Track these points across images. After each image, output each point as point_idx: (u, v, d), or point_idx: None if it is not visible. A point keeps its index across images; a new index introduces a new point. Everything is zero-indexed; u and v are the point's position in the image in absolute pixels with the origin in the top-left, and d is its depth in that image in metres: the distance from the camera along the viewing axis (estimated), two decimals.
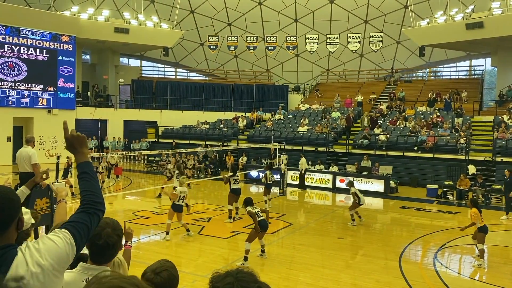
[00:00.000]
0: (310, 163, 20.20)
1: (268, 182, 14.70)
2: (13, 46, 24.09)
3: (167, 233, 10.55)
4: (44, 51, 25.35)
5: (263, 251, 9.26)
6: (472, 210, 9.57)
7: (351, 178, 17.17)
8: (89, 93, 30.74)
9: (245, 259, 8.81)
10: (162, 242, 10.57)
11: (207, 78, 37.78)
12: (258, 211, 9.12)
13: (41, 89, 25.40)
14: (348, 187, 13.53)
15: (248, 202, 9.26)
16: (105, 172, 18.50)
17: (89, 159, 2.30)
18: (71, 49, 26.45)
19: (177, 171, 14.39)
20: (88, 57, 33.15)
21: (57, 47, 25.82)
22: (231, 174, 13.31)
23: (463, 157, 19.37)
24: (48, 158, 23.46)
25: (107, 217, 2.58)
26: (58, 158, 9.42)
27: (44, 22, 25.22)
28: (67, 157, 15.89)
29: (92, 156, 19.19)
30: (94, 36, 27.98)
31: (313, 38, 32.77)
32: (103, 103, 30.39)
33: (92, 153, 24.43)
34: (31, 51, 24.83)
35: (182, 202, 10.70)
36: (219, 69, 37.23)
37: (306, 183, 19.22)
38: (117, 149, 26.69)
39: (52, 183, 7.86)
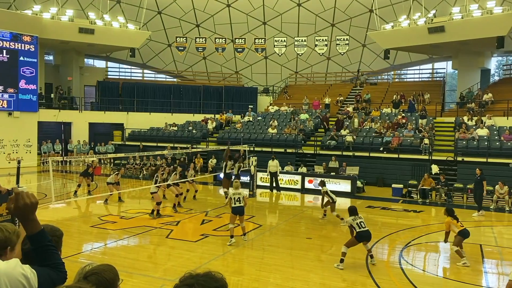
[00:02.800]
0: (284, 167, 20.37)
1: (227, 171, 15.05)
2: None
3: (232, 236, 10.42)
4: (4, 51, 24.41)
5: (371, 256, 9.16)
6: (446, 220, 9.86)
7: (322, 178, 17.36)
8: (52, 95, 29.81)
9: (341, 261, 8.80)
10: (130, 247, 10.37)
11: (175, 80, 37.38)
12: (361, 222, 9.10)
13: (1, 91, 24.46)
14: (319, 187, 13.76)
15: (352, 211, 9.36)
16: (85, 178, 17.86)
17: (40, 225, 2.15)
18: (33, 49, 25.59)
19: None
20: (51, 58, 32.17)
21: (18, 47, 24.92)
22: (231, 163, 14.27)
23: (426, 157, 19.98)
24: (9, 162, 22.63)
25: (45, 223, 2.49)
26: (19, 162, 9.10)
27: (4, 21, 24.28)
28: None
29: (57, 160, 18.67)
30: (58, 37, 27.18)
31: (282, 41, 33.04)
32: (67, 105, 29.55)
33: (57, 157, 23.78)
34: None
35: (240, 203, 10.55)
36: (187, 70, 36.93)
37: (274, 184, 19.30)
38: (82, 153, 26.02)
39: (12, 188, 7.58)
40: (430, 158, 19.80)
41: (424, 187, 17.33)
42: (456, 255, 9.52)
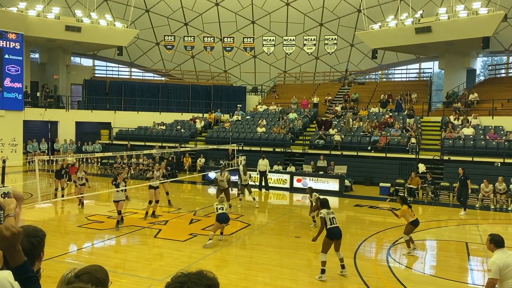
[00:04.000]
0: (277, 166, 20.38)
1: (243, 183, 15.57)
2: None
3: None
4: None
5: (342, 266, 8.62)
6: (402, 208, 10.16)
7: (309, 184, 17.43)
8: (38, 94, 29.41)
9: (322, 271, 8.30)
10: (117, 247, 10.29)
11: (163, 79, 37.15)
12: (333, 217, 8.64)
13: None
14: (308, 194, 13.62)
15: (324, 204, 8.92)
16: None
17: (24, 256, 2.09)
18: (18, 47, 25.21)
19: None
20: (37, 56, 31.74)
21: (2, 45, 24.52)
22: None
23: (413, 156, 20.18)
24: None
25: (27, 224, 2.45)
26: (4, 161, 8.95)
27: None
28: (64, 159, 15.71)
29: (43, 160, 18.44)
30: (44, 34, 26.81)
31: (270, 40, 33.06)
32: (54, 104, 29.18)
33: (43, 156, 23.45)
34: None
35: (222, 210, 10.54)
36: (175, 69, 36.74)
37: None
38: (69, 151, 25.72)
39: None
40: (417, 157, 20.00)
41: (411, 186, 17.50)
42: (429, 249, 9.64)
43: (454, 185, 17.37)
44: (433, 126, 24.09)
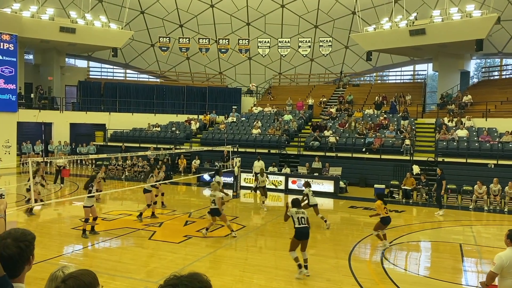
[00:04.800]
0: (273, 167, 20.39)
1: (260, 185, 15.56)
2: None
3: (232, 230, 11.09)
4: None
5: (306, 267, 8.52)
6: (376, 203, 10.66)
7: (306, 180, 17.44)
8: (32, 95, 29.25)
9: (299, 266, 8.34)
10: (112, 249, 10.25)
11: (158, 80, 37.10)
12: (302, 217, 8.58)
13: None
14: (303, 187, 13.77)
15: (295, 203, 8.83)
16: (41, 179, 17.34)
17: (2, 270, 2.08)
18: (12, 48, 25.08)
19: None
20: (31, 57, 31.58)
21: None
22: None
23: (408, 157, 20.28)
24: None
25: (20, 228, 2.42)
26: None
27: None
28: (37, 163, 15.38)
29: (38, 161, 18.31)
30: (38, 36, 26.68)
31: (265, 42, 33.11)
32: (48, 106, 29.02)
33: (37, 158, 23.33)
34: None
35: (214, 205, 10.90)
36: (171, 70, 36.69)
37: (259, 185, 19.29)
38: (63, 153, 25.61)
39: None
40: (411, 158, 20.09)
41: (405, 187, 17.58)
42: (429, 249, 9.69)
43: (448, 186, 17.48)
44: (427, 128, 24.22)
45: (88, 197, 11.01)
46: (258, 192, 18.79)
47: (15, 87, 25.54)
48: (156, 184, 13.87)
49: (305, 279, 8.29)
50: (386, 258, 9.83)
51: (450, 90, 27.00)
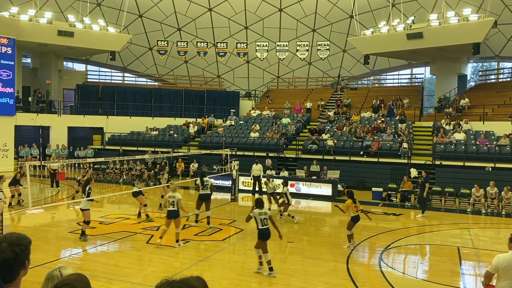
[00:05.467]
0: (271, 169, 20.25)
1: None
2: None
3: (177, 241, 10.49)
4: None
5: (260, 263, 8.78)
6: (347, 201, 10.77)
7: (302, 189, 17.55)
8: (30, 99, 29.22)
9: (260, 263, 8.71)
10: (109, 252, 10.22)
11: (156, 83, 37.10)
12: (265, 219, 8.72)
13: None
14: (282, 185, 14.07)
15: (258, 203, 8.85)
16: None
17: None
18: (10, 52, 25.07)
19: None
20: (29, 60, 31.55)
21: None
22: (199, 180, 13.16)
23: (405, 161, 20.31)
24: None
25: (15, 233, 2.40)
26: None
27: None
28: (20, 167, 15.24)
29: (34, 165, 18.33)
30: (36, 39, 26.67)
31: (263, 45, 33.19)
32: (46, 109, 28.99)
33: (34, 162, 23.27)
34: None
35: (173, 207, 10.45)
36: (169, 74, 36.71)
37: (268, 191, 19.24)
38: (60, 157, 25.54)
39: None
40: (409, 162, 20.12)
41: (403, 190, 17.59)
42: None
43: (446, 190, 17.55)
44: (425, 131, 24.27)
45: (86, 200, 11.01)
46: (256, 195, 18.83)
47: (13, 91, 25.51)
48: (142, 191, 13.61)
49: (304, 282, 8.27)
50: (384, 261, 9.83)
51: (448, 93, 27.08)
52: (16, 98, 26.15)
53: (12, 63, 25.30)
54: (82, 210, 11.06)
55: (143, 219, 13.35)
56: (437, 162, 19.92)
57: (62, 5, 30.95)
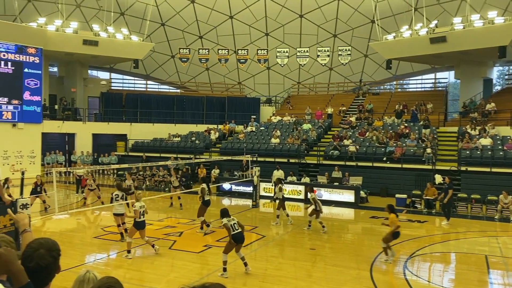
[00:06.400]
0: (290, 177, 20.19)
1: (278, 196, 14.75)
2: None
3: (129, 251, 10.08)
4: (9, 63, 24.63)
5: (245, 264, 9.01)
6: (390, 216, 10.22)
7: (324, 195, 17.42)
8: (56, 106, 29.98)
9: (224, 270, 8.77)
10: (132, 258, 10.32)
11: (178, 91, 37.56)
12: (234, 223, 9.01)
13: (5, 102, 24.63)
14: (307, 192, 13.89)
15: (224, 213, 9.18)
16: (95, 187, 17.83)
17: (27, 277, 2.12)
18: (37, 61, 25.82)
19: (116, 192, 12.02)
20: (55, 69, 32.41)
21: (23, 59, 25.15)
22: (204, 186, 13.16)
23: (430, 167, 19.91)
24: (13, 174, 22.65)
25: (44, 237, 2.46)
26: (23, 173, 9.12)
27: (9, 33, 24.54)
28: (37, 176, 15.57)
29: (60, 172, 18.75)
30: (62, 48, 27.39)
31: (284, 51, 33.22)
32: (71, 117, 29.69)
33: (60, 168, 23.83)
34: None
35: (143, 217, 10.22)
36: (190, 81, 37.12)
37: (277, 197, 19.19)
38: (85, 163, 26.07)
39: (16, 199, 7.61)
40: (433, 168, 19.73)
41: (428, 197, 17.25)
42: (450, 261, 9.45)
43: (472, 196, 17.14)
44: (450, 137, 23.78)
45: (120, 204, 11.63)
46: (277, 201, 18.77)
47: (40, 99, 26.22)
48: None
49: None
50: (409, 269, 9.63)
51: (473, 98, 26.49)
52: (43, 106, 26.87)
53: (40, 72, 26.04)
54: (118, 215, 11.68)
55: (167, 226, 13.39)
56: (463, 168, 19.46)
57: (87, 15, 31.74)
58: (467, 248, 12.11)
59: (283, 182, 15.58)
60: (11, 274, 2.02)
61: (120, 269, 9.31)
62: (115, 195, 11.60)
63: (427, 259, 10.84)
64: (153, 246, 10.39)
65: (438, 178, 18.54)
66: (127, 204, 12.35)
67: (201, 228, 12.70)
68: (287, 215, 14.59)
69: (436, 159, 20.36)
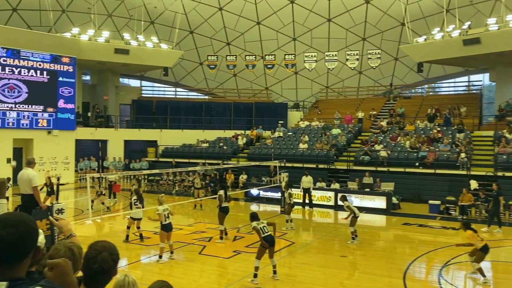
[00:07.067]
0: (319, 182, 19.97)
1: (291, 202, 14.69)
2: (13, 68, 24.25)
3: (160, 256, 10.18)
4: (45, 72, 25.51)
5: (274, 272, 8.96)
6: (467, 233, 9.35)
7: (346, 194, 17.01)
8: (89, 114, 30.81)
9: (255, 275, 8.69)
10: (163, 263, 10.41)
11: (206, 97, 37.95)
12: (264, 226, 8.96)
13: (41, 110, 25.47)
14: (341, 201, 13.56)
15: (254, 217, 9.15)
16: (105, 192, 18.35)
17: None
18: (71, 70, 26.62)
19: (135, 197, 12.36)
20: (88, 77, 33.35)
21: (57, 68, 25.99)
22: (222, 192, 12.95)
23: (464, 172, 19.29)
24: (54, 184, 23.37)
25: (105, 240, 2.49)
26: (58, 179, 9.35)
27: (44, 44, 25.44)
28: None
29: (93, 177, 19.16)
30: (95, 57, 28.18)
31: (312, 56, 33.01)
32: (104, 123, 30.43)
33: (93, 173, 24.40)
34: (32, 72, 24.99)
35: (169, 220, 10.32)
36: (218, 87, 37.43)
37: (307, 201, 19.05)
38: (117, 169, 26.61)
39: (52, 203, 7.80)
40: (468, 173, 19.10)
41: (463, 204, 16.69)
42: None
43: (510, 202, 16.46)
44: (485, 141, 22.99)
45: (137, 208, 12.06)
46: (306, 208, 18.61)
47: (73, 107, 27.00)
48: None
49: None
50: (444, 278, 9.30)
51: (510, 100, 25.54)
52: (76, 114, 27.65)
53: (73, 80, 26.84)
54: (135, 219, 12.14)
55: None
56: (499, 174, 18.74)
57: (118, 24, 32.57)
58: (505, 257, 11.63)
59: (290, 187, 15.53)
60: (65, 285, 2.02)
61: (151, 273, 9.39)
62: (134, 199, 12.07)
63: (463, 267, 10.45)
64: (171, 252, 10.45)
65: (474, 184, 17.94)
66: (130, 203, 12.61)
67: (221, 238, 12.33)
68: (289, 221, 14.36)
69: (470, 164, 19.71)
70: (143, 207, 12.34)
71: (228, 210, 12.97)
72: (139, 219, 12.18)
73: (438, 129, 23.78)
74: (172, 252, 10.45)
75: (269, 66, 33.87)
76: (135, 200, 12.04)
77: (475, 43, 23.49)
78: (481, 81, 32.18)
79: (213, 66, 34.06)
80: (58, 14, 30.56)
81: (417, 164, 20.78)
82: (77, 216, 15.89)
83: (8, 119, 24.17)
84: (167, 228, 10.22)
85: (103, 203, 16.90)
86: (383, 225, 16.17)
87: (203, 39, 35.34)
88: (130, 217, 12.30)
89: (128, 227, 12.20)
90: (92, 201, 17.63)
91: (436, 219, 16.46)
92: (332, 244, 12.68)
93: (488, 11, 26.94)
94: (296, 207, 18.75)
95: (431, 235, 13.99)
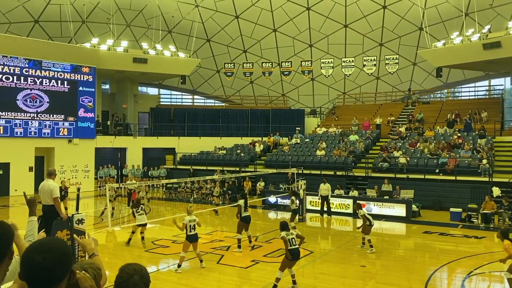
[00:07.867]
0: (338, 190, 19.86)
1: (295, 207, 14.90)
2: (35, 79, 24.84)
3: (179, 265, 10.20)
4: (66, 82, 26.05)
5: (294, 282, 8.92)
6: (505, 243, 8.79)
7: (357, 201, 16.87)
8: (109, 122, 31.30)
9: (274, 286, 8.63)
10: (181, 272, 10.44)
11: (223, 104, 38.16)
12: (293, 238, 8.86)
13: (62, 120, 25.98)
14: (355, 210, 13.45)
15: (284, 226, 9.05)
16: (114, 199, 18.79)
17: None
18: (91, 79, 27.12)
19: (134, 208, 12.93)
20: (107, 86, 33.92)
21: (77, 78, 26.51)
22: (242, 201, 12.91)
23: (486, 179, 18.89)
24: (69, 187, 23.75)
25: (136, 263, 2.50)
26: (78, 189, 9.48)
27: (65, 54, 26.02)
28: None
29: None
30: (114, 67, 28.66)
31: (328, 62, 32.92)
32: (123, 132, 30.86)
33: (113, 184, 24.69)
34: (53, 82, 25.55)
35: (194, 231, 10.36)
36: (235, 95, 37.61)
37: (325, 209, 18.89)
38: (136, 177, 26.90)
39: (73, 215, 7.93)
40: (490, 180, 18.69)
41: (485, 211, 16.32)
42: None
43: None
44: (508, 147, 22.49)
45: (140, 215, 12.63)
46: (324, 215, 18.45)
47: (93, 116, 27.46)
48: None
49: None
50: None
51: None
52: (96, 122, 28.11)
53: (93, 90, 27.33)
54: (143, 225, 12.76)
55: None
56: None
57: (136, 34, 33.09)
58: None
59: (296, 193, 15.75)
60: None
61: (170, 283, 9.43)
62: (140, 208, 12.85)
63: (487, 278, 10.21)
64: (201, 261, 10.47)
65: (496, 191, 17.55)
66: (133, 213, 13.12)
67: (238, 247, 12.25)
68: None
69: (493, 171, 19.29)
70: (145, 214, 13.03)
71: (250, 219, 12.95)
72: (144, 225, 12.80)
73: (459, 134, 23.37)
74: (201, 261, 10.48)
75: (285, 73, 33.91)
76: (137, 209, 12.73)
77: (496, 47, 23.09)
78: (502, 85, 31.56)
79: (230, 74, 34.27)
80: (78, 24, 31.23)
81: (437, 171, 20.44)
82: (97, 224, 16.09)
83: (30, 128, 24.73)
84: (191, 238, 10.28)
85: (113, 208, 17.52)
86: (403, 234, 15.91)
87: (220, 47, 35.60)
88: (137, 224, 12.89)
89: (133, 232, 12.93)
90: (113, 208, 17.94)
91: (458, 227, 16.13)
92: (351, 253, 12.53)
93: (509, 14, 26.49)
94: (314, 214, 18.66)
95: (453, 244, 13.71)
